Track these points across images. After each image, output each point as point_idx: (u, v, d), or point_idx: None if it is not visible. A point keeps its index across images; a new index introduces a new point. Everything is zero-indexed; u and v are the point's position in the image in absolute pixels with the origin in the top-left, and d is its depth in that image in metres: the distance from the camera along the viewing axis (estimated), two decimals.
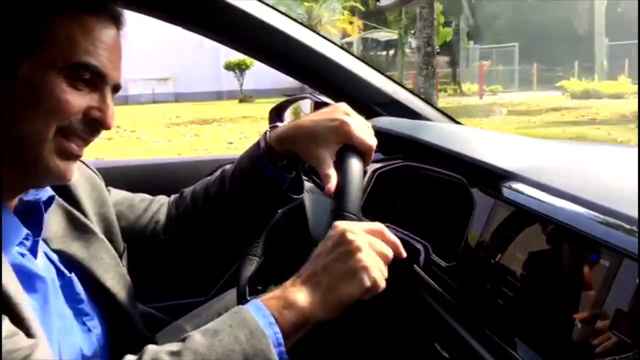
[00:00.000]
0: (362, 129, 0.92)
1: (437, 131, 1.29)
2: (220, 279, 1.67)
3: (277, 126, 0.99)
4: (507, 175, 0.94)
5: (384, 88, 1.48)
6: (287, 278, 1.00)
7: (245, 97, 19.55)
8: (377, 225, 0.79)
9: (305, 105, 1.24)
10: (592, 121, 11.66)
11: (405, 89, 1.53)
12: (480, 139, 1.21)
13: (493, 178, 0.96)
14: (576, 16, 23.07)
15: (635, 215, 0.68)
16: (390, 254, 0.77)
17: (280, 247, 1.06)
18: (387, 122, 1.37)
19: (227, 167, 1.05)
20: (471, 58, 24.81)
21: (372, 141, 0.92)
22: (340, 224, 0.77)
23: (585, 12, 22.28)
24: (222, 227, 1.06)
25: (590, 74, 19.67)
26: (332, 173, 0.88)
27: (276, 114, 1.25)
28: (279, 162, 0.98)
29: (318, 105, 1.12)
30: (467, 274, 0.93)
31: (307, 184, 1.32)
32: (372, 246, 0.75)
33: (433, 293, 1.01)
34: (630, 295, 0.63)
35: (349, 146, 0.90)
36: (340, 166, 0.89)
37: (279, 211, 1.12)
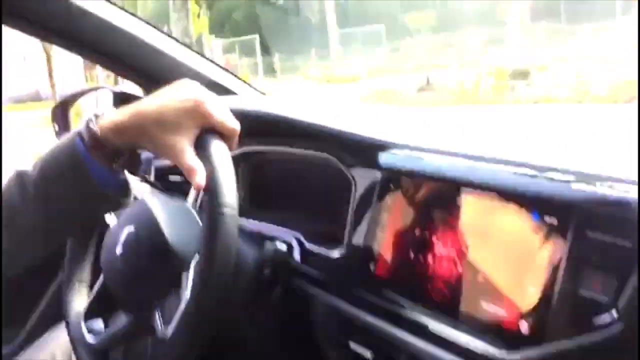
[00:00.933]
0: (221, 109, 0.76)
1: (293, 107, 1.15)
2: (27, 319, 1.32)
3: (96, 115, 0.77)
4: (384, 145, 0.87)
5: (201, 69, 1.31)
6: (143, 306, 0.81)
7: None
8: None
9: (101, 99, 1.02)
10: None
11: (224, 69, 1.37)
12: (343, 113, 1.12)
13: (368, 150, 0.88)
14: (309, 8, 24.68)
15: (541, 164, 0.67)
16: None
17: (127, 267, 0.84)
18: (233, 101, 1.19)
19: (26, 169, 0.78)
20: (215, 51, 24.96)
21: (234, 123, 0.77)
22: None
23: (316, 4, 23.95)
24: (28, 247, 0.80)
25: (326, 60, 21.22)
26: (197, 164, 0.71)
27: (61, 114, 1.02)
28: (113, 159, 0.76)
29: (121, 98, 0.93)
30: (363, 260, 0.84)
31: (144, 186, 1.10)
32: None
33: (328, 288, 0.89)
34: (597, 248, 0.59)
35: (209, 130, 0.74)
36: (205, 155, 0.72)
37: (110, 224, 0.90)
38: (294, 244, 0.97)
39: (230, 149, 0.76)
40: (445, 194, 0.76)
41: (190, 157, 0.71)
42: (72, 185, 0.74)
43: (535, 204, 0.65)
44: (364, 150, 0.89)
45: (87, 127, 0.74)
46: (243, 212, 1.12)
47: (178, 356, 0.72)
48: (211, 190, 0.70)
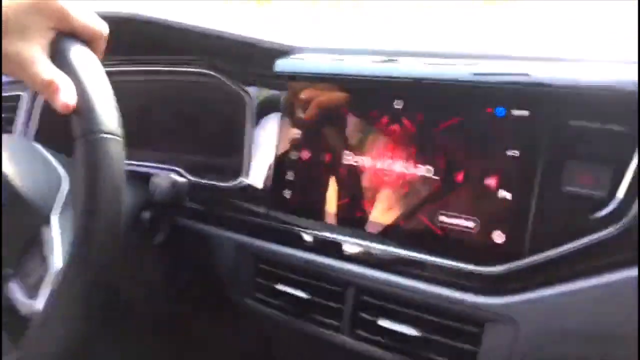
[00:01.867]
0: (81, 8, 0.57)
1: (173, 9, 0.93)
2: None
3: None
4: (287, 50, 0.73)
5: None
6: None
7: None
8: None
9: None
10: None
11: None
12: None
13: (267, 58, 0.73)
14: None
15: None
16: None
17: None
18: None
19: None
20: None
21: (100, 24, 0.58)
22: None
23: None
24: None
25: None
26: (59, 77, 0.52)
27: None
28: None
29: None
30: (273, 187, 0.70)
31: None
32: None
33: (228, 224, 0.74)
34: (582, 138, 0.51)
35: (66, 34, 0.55)
36: (67, 65, 0.53)
37: None
38: (178, 179, 0.78)
39: (98, 55, 0.58)
40: (373, 99, 0.64)
41: (45, 69, 0.52)
42: None
43: (496, 97, 0.56)
44: (262, 59, 0.73)
45: None
46: None
47: (59, 339, 0.53)
48: (83, 111, 0.51)
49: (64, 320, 0.52)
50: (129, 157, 0.85)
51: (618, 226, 0.48)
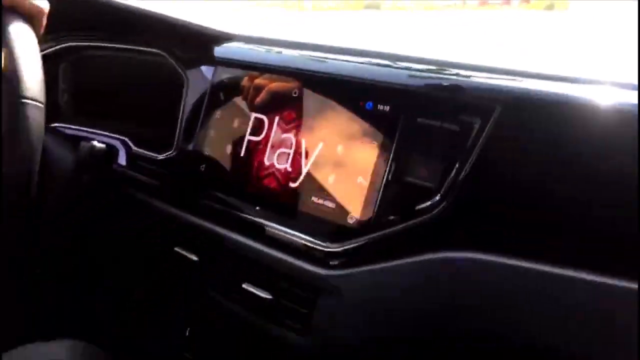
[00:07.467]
0: None
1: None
2: None
3: None
4: (227, 37, 0.79)
5: None
6: None
7: None
8: None
9: None
10: None
11: None
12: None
13: (204, 43, 0.80)
14: None
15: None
16: None
17: None
18: None
19: None
20: None
21: (42, 2, 0.65)
22: None
23: None
24: None
25: None
26: None
27: None
28: None
29: None
30: (193, 160, 0.77)
31: None
32: None
33: (152, 192, 0.81)
34: (425, 137, 0.57)
35: (7, 9, 0.62)
36: (3, 36, 0.61)
37: None
38: (119, 147, 0.87)
39: (37, 33, 0.65)
40: (282, 89, 0.70)
41: None
42: None
43: (369, 92, 0.61)
44: (199, 43, 0.80)
45: None
46: (67, 117, 1.00)
47: None
48: (9, 78, 0.58)
49: None
50: (87, 125, 0.94)
51: (431, 215, 0.53)
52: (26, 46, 0.61)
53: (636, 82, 0.51)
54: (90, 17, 0.90)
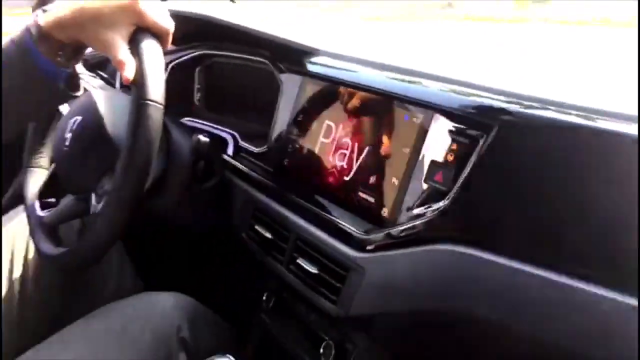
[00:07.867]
0: (156, 10, 0.82)
1: (232, 12, 1.21)
2: None
3: (44, 10, 0.83)
4: (311, 52, 0.93)
5: None
6: (83, 187, 0.90)
7: None
8: None
9: None
10: None
11: None
12: (280, 19, 1.17)
13: (297, 56, 0.94)
14: None
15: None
16: None
17: (72, 153, 0.92)
18: (177, 4, 1.25)
19: None
20: None
21: (168, 23, 0.83)
22: None
23: None
24: None
25: None
26: (127, 58, 0.77)
27: None
28: (57, 52, 0.84)
29: None
30: (279, 155, 0.92)
31: (95, 81, 1.18)
32: None
33: (247, 179, 0.99)
34: (444, 147, 0.66)
35: (142, 29, 0.80)
36: (136, 50, 0.79)
37: (64, 114, 0.98)
38: (230, 140, 1.05)
39: (163, 48, 0.83)
40: (350, 102, 0.82)
41: (122, 52, 0.77)
42: (20, 76, 0.82)
43: (407, 106, 0.72)
44: (291, 56, 0.95)
45: (35, 21, 0.82)
46: (198, 113, 1.21)
47: (103, 229, 0.81)
48: (138, 83, 0.75)
49: (107, 219, 0.80)
50: (211, 120, 1.14)
51: (440, 213, 0.64)
52: (153, 59, 0.78)
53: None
54: (217, 33, 1.09)
